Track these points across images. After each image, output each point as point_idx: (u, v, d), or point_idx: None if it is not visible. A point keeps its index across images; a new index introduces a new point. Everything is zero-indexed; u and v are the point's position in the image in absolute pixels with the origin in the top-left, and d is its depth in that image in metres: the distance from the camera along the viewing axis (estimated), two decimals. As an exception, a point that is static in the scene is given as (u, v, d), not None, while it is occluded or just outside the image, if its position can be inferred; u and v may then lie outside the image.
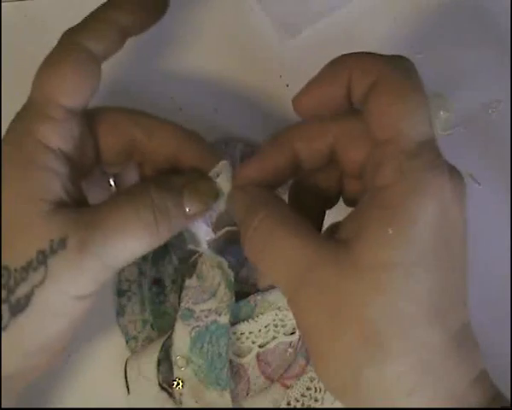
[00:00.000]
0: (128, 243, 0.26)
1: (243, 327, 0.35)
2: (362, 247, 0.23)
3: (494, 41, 0.42)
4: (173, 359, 0.34)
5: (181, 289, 0.36)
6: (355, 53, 0.27)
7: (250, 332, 0.35)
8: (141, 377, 0.34)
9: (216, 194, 0.29)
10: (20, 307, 0.25)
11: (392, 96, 0.24)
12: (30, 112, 0.27)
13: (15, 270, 0.25)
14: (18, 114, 0.28)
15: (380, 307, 0.23)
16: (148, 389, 0.34)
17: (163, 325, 0.36)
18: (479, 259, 0.38)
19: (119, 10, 0.28)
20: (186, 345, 0.34)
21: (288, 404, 0.35)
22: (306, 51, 0.42)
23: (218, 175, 0.29)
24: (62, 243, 0.25)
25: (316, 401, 0.35)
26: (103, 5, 0.29)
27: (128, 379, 0.35)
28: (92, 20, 0.28)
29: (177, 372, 0.34)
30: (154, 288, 0.37)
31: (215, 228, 0.30)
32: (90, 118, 0.29)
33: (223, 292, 0.34)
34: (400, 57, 0.26)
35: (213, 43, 0.42)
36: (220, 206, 0.29)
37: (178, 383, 0.34)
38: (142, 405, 0.34)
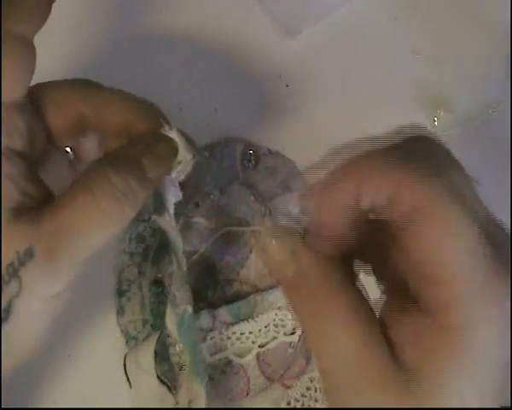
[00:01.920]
0: (95, 236, 0.26)
1: (243, 327, 0.35)
2: (435, 384, 0.21)
3: (494, 41, 0.42)
4: (168, 343, 0.34)
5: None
6: (363, 158, 0.22)
7: (250, 332, 0.35)
8: (140, 371, 0.34)
9: (175, 151, 0.28)
10: (2, 318, 0.25)
11: (432, 224, 0.20)
12: None
13: None
14: None
15: None
16: (147, 382, 0.34)
17: (163, 325, 0.36)
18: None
19: None
20: (175, 330, 0.33)
21: (288, 404, 0.35)
22: (306, 51, 0.42)
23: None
24: (29, 252, 0.25)
25: (316, 401, 0.35)
26: None
27: (128, 373, 0.35)
28: (13, 1, 0.26)
29: (173, 359, 0.34)
30: (154, 288, 0.37)
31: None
32: (34, 96, 0.28)
33: (178, 281, 0.34)
34: (421, 146, 0.23)
35: (213, 43, 0.42)
36: (185, 166, 0.28)
37: (181, 368, 0.34)
38: (142, 399, 0.35)
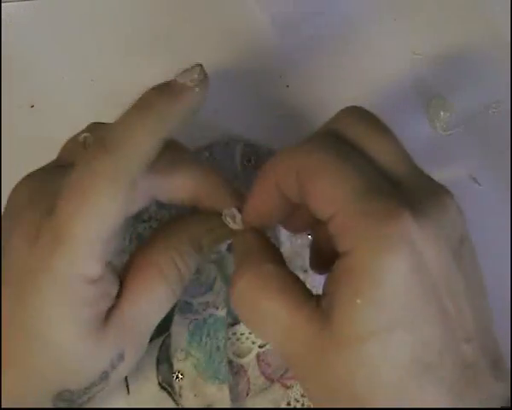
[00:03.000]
0: (160, 316, 0.29)
1: (243, 327, 0.35)
2: (337, 321, 0.22)
3: (494, 42, 0.42)
4: (172, 352, 0.34)
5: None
6: (278, 152, 0.26)
7: (250, 332, 0.35)
8: (140, 377, 0.34)
9: (230, 235, 0.29)
10: (82, 404, 0.27)
11: (317, 178, 0.23)
12: (70, 249, 0.24)
13: (78, 390, 0.26)
14: (57, 242, 0.25)
15: (364, 379, 0.22)
16: (147, 388, 0.34)
17: (163, 326, 0.36)
18: (478, 259, 0.38)
19: (159, 123, 0.26)
20: (184, 338, 0.34)
21: (288, 404, 0.35)
22: (306, 51, 0.42)
23: (234, 215, 0.29)
24: (121, 357, 0.27)
25: (316, 401, 0.35)
26: (138, 113, 0.26)
27: (127, 379, 0.35)
28: (129, 134, 0.25)
29: (176, 365, 0.34)
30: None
31: None
32: None
33: (219, 286, 0.34)
34: (334, 127, 0.25)
35: (213, 43, 0.42)
36: None
37: (178, 376, 0.34)
38: (141, 404, 0.34)
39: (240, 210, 0.29)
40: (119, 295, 0.27)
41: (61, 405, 0.26)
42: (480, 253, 0.37)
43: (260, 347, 0.35)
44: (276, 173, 0.26)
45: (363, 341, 0.21)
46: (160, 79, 0.41)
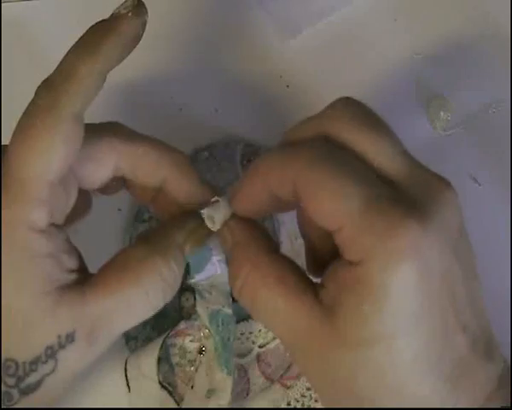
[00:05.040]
0: (136, 319, 0.27)
1: (243, 327, 0.35)
2: (343, 323, 0.23)
3: (494, 42, 0.42)
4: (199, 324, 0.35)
5: (181, 289, 0.36)
6: (267, 155, 0.26)
7: (250, 332, 0.35)
8: (141, 376, 0.34)
9: (210, 233, 0.29)
10: (30, 391, 0.25)
11: (319, 194, 0.23)
12: (15, 195, 0.25)
13: (24, 363, 0.25)
14: (4, 191, 0.25)
15: (369, 381, 0.23)
16: (148, 387, 0.34)
17: (163, 325, 0.36)
18: (478, 259, 0.38)
19: (94, 56, 0.25)
20: (206, 317, 0.34)
21: (288, 404, 0.35)
22: (306, 51, 0.42)
23: (212, 216, 0.28)
24: (70, 337, 0.25)
25: (316, 401, 0.35)
26: (75, 52, 0.26)
27: (128, 378, 0.35)
28: (66, 76, 0.25)
29: (203, 341, 0.34)
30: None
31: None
32: None
33: (214, 297, 0.34)
34: (320, 130, 0.25)
35: (213, 43, 0.42)
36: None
37: (201, 351, 0.34)
38: (142, 403, 0.35)
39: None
40: (88, 284, 0.26)
41: (9, 381, 0.25)
42: (479, 253, 0.37)
43: (260, 347, 0.35)
44: (268, 178, 0.25)
45: (368, 345, 0.22)
46: (159, 79, 0.41)
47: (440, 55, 0.42)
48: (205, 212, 0.28)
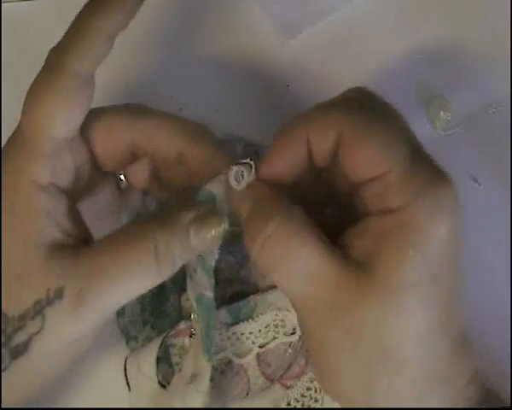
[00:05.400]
0: (127, 290, 0.26)
1: (243, 327, 0.35)
2: (383, 269, 0.23)
3: (494, 42, 0.42)
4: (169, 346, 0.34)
5: (181, 289, 0.36)
6: (309, 113, 0.27)
7: (250, 332, 0.35)
8: (141, 376, 0.34)
9: (223, 226, 0.27)
10: (18, 352, 0.25)
11: (368, 138, 0.24)
12: (20, 148, 0.26)
13: (13, 318, 0.25)
14: (8, 146, 0.26)
15: (397, 328, 0.24)
16: (148, 387, 0.34)
17: (163, 325, 0.36)
18: (478, 258, 0.38)
19: (102, 17, 0.26)
20: (194, 300, 0.33)
21: (288, 404, 0.35)
22: (306, 51, 0.42)
23: (242, 171, 0.27)
24: (59, 293, 0.25)
25: (316, 401, 0.35)
26: (83, 14, 0.27)
27: (128, 377, 0.35)
28: (77, 35, 0.26)
29: (193, 324, 0.34)
30: (154, 288, 0.37)
31: None
32: (82, 126, 0.28)
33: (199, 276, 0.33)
34: (355, 96, 0.26)
35: (213, 43, 0.42)
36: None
37: (192, 334, 0.34)
38: (142, 403, 0.35)
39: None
40: (84, 247, 0.26)
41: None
42: (480, 253, 0.37)
43: (260, 347, 0.35)
44: (310, 129, 0.26)
45: (404, 291, 0.23)
46: (159, 79, 0.41)
47: (440, 55, 0.42)
48: (233, 168, 0.27)
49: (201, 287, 0.31)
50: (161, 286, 0.37)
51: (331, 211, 0.29)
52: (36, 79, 0.26)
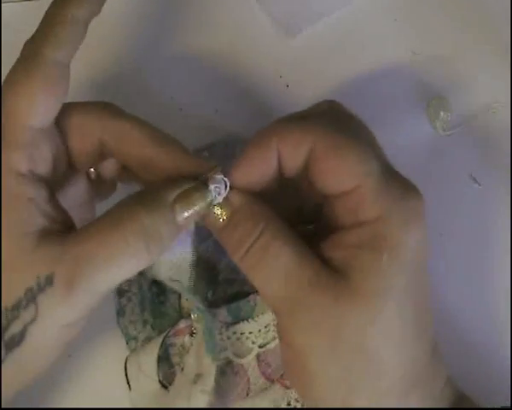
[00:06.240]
0: (117, 272, 0.26)
1: (243, 327, 0.35)
2: (359, 276, 0.25)
3: (494, 41, 0.42)
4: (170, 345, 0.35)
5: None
6: (281, 123, 0.27)
7: (250, 332, 0.35)
8: (141, 375, 0.34)
9: (208, 200, 0.27)
10: (14, 344, 0.25)
11: (341, 153, 0.25)
12: (1, 138, 0.26)
13: (6, 309, 0.25)
14: None
15: (376, 332, 0.25)
16: (148, 386, 0.34)
17: (163, 325, 0.36)
18: (479, 259, 0.38)
19: (76, 4, 0.26)
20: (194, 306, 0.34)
21: (288, 404, 0.35)
22: (306, 51, 0.42)
23: (219, 188, 0.27)
24: (49, 279, 0.25)
25: (316, 401, 0.35)
26: (57, 2, 0.27)
27: (128, 377, 0.35)
28: (51, 24, 0.26)
29: (194, 323, 0.35)
30: (154, 288, 0.37)
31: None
32: (57, 118, 0.28)
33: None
34: (327, 109, 0.28)
35: (213, 43, 0.42)
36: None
37: (193, 333, 0.34)
38: (142, 402, 0.35)
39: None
40: (71, 233, 0.26)
41: None
42: (480, 253, 0.37)
43: (260, 347, 0.35)
44: (281, 141, 0.26)
45: (381, 296, 0.24)
46: (159, 79, 0.41)
47: (440, 55, 0.42)
48: (211, 187, 0.27)
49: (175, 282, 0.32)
50: (161, 286, 0.37)
51: (303, 218, 0.30)
52: (12, 69, 0.26)
